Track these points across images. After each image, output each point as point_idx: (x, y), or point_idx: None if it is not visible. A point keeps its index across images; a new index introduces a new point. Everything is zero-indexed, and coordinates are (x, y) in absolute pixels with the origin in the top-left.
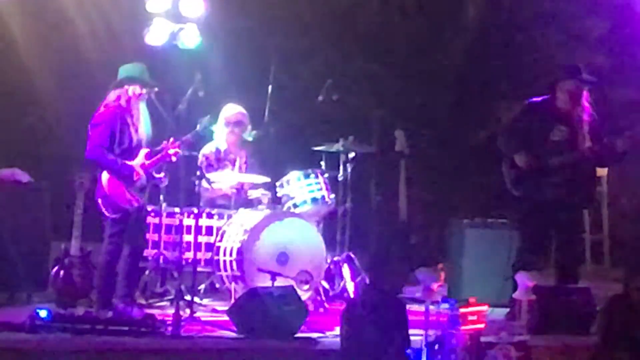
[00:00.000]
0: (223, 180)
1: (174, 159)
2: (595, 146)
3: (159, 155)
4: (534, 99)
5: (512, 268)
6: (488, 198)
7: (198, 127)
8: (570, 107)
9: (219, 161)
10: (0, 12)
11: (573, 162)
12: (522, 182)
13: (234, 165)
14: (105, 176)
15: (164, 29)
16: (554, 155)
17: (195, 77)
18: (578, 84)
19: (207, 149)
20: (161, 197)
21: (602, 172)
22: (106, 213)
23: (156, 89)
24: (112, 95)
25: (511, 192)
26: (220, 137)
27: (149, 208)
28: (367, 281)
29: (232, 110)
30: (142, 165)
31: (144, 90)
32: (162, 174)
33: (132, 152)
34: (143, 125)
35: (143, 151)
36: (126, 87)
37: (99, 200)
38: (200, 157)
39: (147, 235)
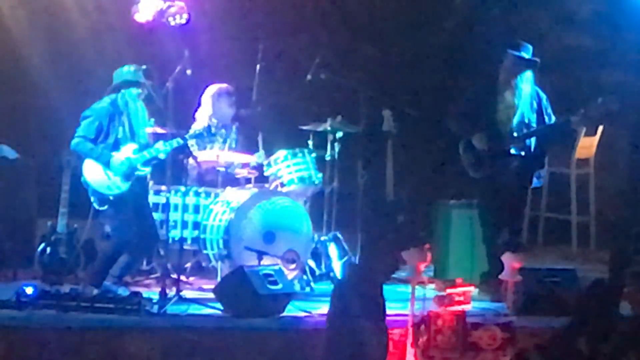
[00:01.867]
0: (211, 157)
1: (162, 156)
2: (549, 125)
3: (146, 152)
4: (480, 81)
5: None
6: (475, 179)
7: (190, 132)
8: (509, 81)
9: (209, 135)
10: None
11: (526, 140)
12: (481, 164)
13: (224, 142)
14: (86, 164)
15: (152, 6)
16: (509, 135)
17: (183, 55)
18: (517, 60)
19: (198, 125)
20: (147, 175)
21: (589, 153)
22: (96, 206)
23: (144, 67)
24: (108, 98)
25: (470, 174)
26: (207, 114)
27: None
28: (356, 262)
29: (216, 85)
30: (127, 157)
31: (141, 90)
32: (148, 168)
33: (117, 147)
34: (138, 124)
35: (130, 146)
36: (123, 91)
37: (88, 191)
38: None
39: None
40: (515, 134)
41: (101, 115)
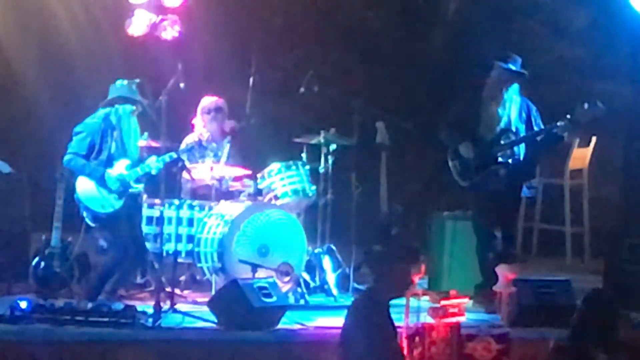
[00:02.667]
0: (204, 171)
1: (154, 172)
2: (535, 132)
3: (139, 169)
4: (467, 92)
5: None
6: (467, 190)
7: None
8: (496, 92)
9: (201, 149)
10: None
11: (512, 147)
12: (468, 173)
13: (216, 156)
14: (80, 181)
15: (145, 20)
16: (496, 143)
17: (177, 69)
18: (505, 72)
19: (189, 138)
20: (141, 192)
21: (583, 164)
22: (89, 222)
23: (137, 80)
24: (101, 112)
25: (458, 183)
26: (200, 128)
27: None
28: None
29: (210, 99)
30: (120, 174)
31: (136, 107)
32: (141, 185)
33: (110, 163)
34: (130, 139)
35: (123, 162)
36: (117, 106)
37: (80, 207)
38: (182, 147)
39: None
40: (502, 142)
41: (93, 131)
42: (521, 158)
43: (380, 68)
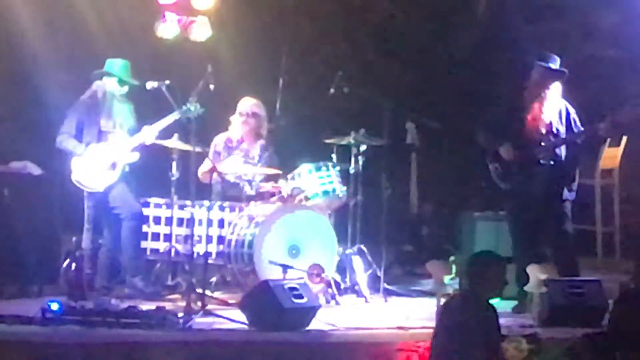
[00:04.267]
0: (231, 166)
1: (151, 141)
2: (576, 134)
3: (135, 138)
4: (507, 93)
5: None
6: (499, 191)
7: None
8: (538, 92)
9: (229, 149)
10: (9, 5)
11: (554, 150)
12: (509, 175)
13: (247, 156)
14: (74, 162)
15: (175, 22)
16: (537, 145)
17: (206, 70)
18: (545, 71)
19: (218, 138)
20: (172, 190)
21: (613, 164)
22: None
23: (167, 82)
24: (93, 86)
25: (498, 185)
26: (235, 128)
27: (161, 201)
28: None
29: (248, 102)
30: (114, 147)
31: (122, 86)
32: (136, 154)
33: (100, 139)
34: (120, 116)
35: (116, 138)
36: (105, 79)
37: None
38: (211, 147)
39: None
40: (542, 144)
41: (80, 109)
42: (561, 159)
43: (410, 68)
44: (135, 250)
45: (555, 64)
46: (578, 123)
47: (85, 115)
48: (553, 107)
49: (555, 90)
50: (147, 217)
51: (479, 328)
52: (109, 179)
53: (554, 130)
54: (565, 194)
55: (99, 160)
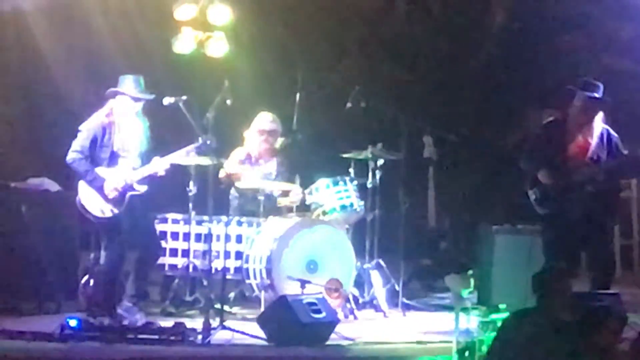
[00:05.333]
0: (249, 183)
1: (161, 173)
2: (616, 160)
3: (145, 169)
4: (550, 119)
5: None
6: (517, 204)
7: (200, 140)
8: (582, 121)
9: (249, 164)
10: (26, 21)
11: (594, 176)
12: (547, 200)
13: (265, 171)
14: (81, 184)
15: (191, 38)
16: (576, 171)
17: (223, 85)
18: (590, 101)
19: (239, 151)
20: (190, 206)
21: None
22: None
23: (184, 98)
24: (108, 105)
25: (536, 210)
26: (252, 144)
27: (179, 217)
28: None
29: (266, 119)
30: (122, 178)
31: (136, 104)
32: (144, 186)
33: (112, 161)
34: (134, 137)
35: (127, 163)
36: (118, 98)
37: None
38: (230, 161)
39: (172, 244)
40: (583, 170)
41: (95, 127)
42: (602, 184)
43: (426, 82)
44: (138, 278)
45: (600, 92)
46: (620, 149)
47: (100, 134)
48: (596, 135)
49: (598, 117)
50: (163, 237)
51: (553, 348)
52: (114, 209)
53: (595, 156)
54: (608, 216)
55: (106, 189)
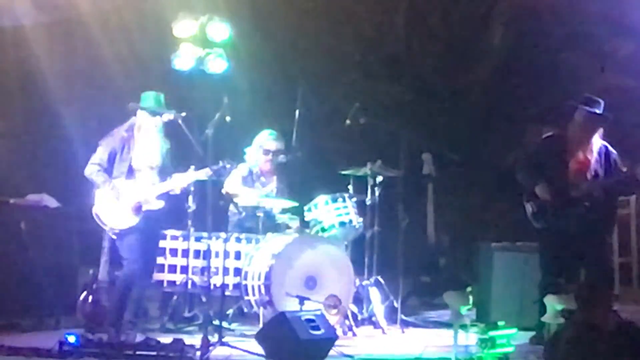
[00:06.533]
0: (248, 196)
1: (177, 191)
2: (614, 177)
3: (164, 185)
4: (549, 134)
5: (539, 292)
6: (516, 221)
7: (220, 163)
8: (582, 137)
9: (251, 181)
10: (26, 37)
11: (592, 192)
12: (543, 214)
13: (265, 188)
14: (98, 193)
15: (191, 54)
16: (573, 186)
17: (223, 102)
18: (590, 116)
19: (240, 170)
20: (189, 222)
21: None
22: (111, 235)
23: (183, 114)
24: (130, 120)
25: (532, 224)
26: (254, 161)
27: (177, 233)
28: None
29: (271, 138)
30: (140, 192)
31: (155, 119)
32: (161, 202)
33: (130, 175)
34: (153, 153)
35: (144, 178)
36: (138, 113)
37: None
38: (232, 178)
39: (171, 260)
40: (580, 186)
41: (115, 140)
42: (600, 200)
43: (426, 99)
44: (119, 301)
45: (600, 108)
46: (619, 165)
47: (120, 149)
48: (594, 150)
49: (597, 134)
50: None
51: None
52: (128, 222)
53: (593, 171)
54: (605, 231)
55: (123, 200)
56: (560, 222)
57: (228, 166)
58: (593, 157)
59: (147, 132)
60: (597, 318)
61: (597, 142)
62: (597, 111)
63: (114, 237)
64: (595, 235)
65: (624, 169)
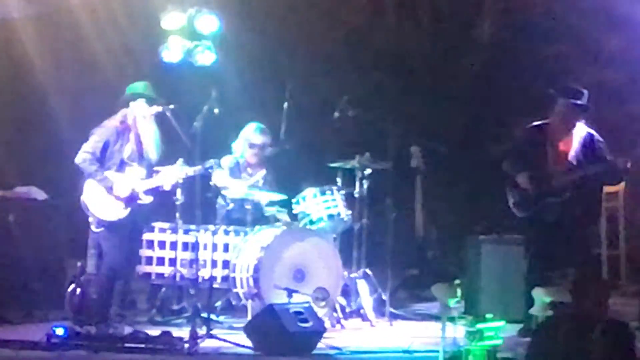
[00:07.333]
0: (235, 188)
1: (167, 188)
2: (596, 165)
3: (153, 181)
4: (533, 123)
5: (525, 284)
6: (504, 214)
7: (206, 164)
8: (563, 127)
9: (237, 173)
10: (15, 29)
11: (574, 181)
12: (525, 204)
13: (252, 180)
14: (88, 184)
15: (179, 46)
16: (554, 176)
17: (211, 94)
18: (571, 106)
19: (226, 161)
20: (177, 215)
21: (618, 187)
22: (93, 228)
23: (172, 106)
24: (119, 114)
25: (515, 213)
26: (241, 153)
27: (166, 225)
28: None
29: (257, 131)
30: (130, 185)
31: (151, 108)
32: (150, 197)
33: (121, 168)
34: (149, 145)
35: (136, 171)
36: (132, 104)
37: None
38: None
39: (159, 253)
40: (561, 175)
41: (109, 132)
42: (580, 189)
43: (414, 92)
44: (104, 293)
45: (583, 98)
46: (604, 153)
47: (113, 140)
48: (578, 139)
49: (581, 123)
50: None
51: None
52: (117, 214)
53: (575, 161)
54: (588, 220)
55: (113, 192)
56: (542, 211)
57: (217, 166)
58: (575, 146)
59: (142, 121)
60: (594, 309)
61: (582, 130)
62: (579, 102)
63: (99, 229)
64: (579, 225)
65: (609, 157)
